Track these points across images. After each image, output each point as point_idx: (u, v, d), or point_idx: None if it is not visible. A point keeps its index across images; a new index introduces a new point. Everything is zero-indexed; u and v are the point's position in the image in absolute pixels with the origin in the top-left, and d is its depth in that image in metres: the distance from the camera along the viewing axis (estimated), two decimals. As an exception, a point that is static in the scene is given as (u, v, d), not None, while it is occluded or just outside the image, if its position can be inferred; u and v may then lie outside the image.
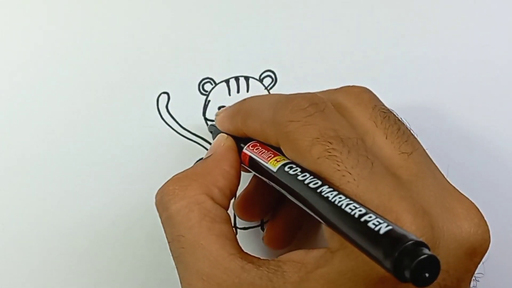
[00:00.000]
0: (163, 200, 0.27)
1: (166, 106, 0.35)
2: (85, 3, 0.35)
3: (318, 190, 0.22)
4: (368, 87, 0.28)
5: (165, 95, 0.35)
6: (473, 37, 0.36)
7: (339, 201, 0.21)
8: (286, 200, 0.30)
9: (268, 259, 0.25)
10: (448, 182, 0.26)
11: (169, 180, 0.27)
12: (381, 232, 0.19)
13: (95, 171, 0.35)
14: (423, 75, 0.36)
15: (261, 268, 0.24)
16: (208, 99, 0.35)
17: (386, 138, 0.25)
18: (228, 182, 0.28)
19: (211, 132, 0.34)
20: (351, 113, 0.27)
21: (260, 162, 0.27)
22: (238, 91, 0.36)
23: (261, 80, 0.36)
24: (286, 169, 0.25)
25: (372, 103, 0.27)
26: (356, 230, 0.20)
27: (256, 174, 0.28)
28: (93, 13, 0.35)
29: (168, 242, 0.27)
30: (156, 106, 0.35)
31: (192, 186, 0.26)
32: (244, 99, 0.30)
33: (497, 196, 0.36)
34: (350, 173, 0.23)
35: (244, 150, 0.28)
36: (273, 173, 0.26)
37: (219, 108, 0.35)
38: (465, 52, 0.36)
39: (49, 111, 0.35)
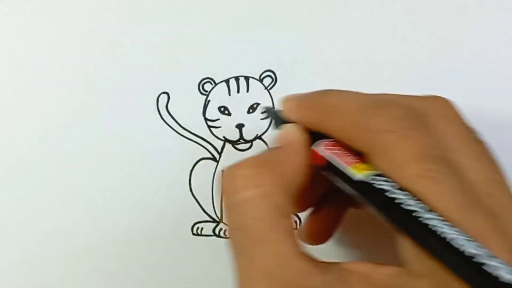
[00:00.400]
0: (233, 182, 0.25)
1: (166, 106, 0.35)
2: (85, 3, 0.35)
3: (413, 214, 0.21)
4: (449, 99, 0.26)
5: (165, 95, 0.35)
6: (473, 37, 0.36)
7: (446, 233, 0.20)
8: (332, 194, 0.29)
9: (332, 264, 0.23)
10: None
11: (240, 163, 0.25)
12: (500, 279, 0.18)
13: (95, 171, 0.35)
14: (423, 75, 0.36)
15: (327, 275, 0.23)
16: (208, 99, 0.35)
17: (474, 160, 0.24)
18: (300, 176, 0.26)
19: (266, 115, 0.30)
20: (436, 127, 0.24)
21: (340, 165, 0.25)
22: (238, 91, 0.36)
23: (261, 80, 0.36)
24: (373, 181, 0.23)
25: (458, 119, 0.25)
26: (467, 270, 0.19)
27: (329, 176, 0.26)
28: (93, 13, 0.35)
29: (230, 229, 0.25)
30: (156, 106, 0.35)
31: (266, 175, 0.24)
32: (322, 91, 0.28)
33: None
34: (448, 198, 0.22)
35: (318, 148, 0.26)
36: (355, 181, 0.24)
37: (219, 108, 0.35)
38: (465, 52, 0.36)
39: (49, 111, 0.35)
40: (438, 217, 0.21)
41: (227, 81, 0.36)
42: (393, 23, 0.36)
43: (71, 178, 0.35)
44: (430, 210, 0.21)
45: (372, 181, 0.23)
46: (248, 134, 0.36)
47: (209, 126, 0.35)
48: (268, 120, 0.36)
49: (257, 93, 0.36)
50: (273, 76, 0.36)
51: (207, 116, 0.35)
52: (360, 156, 0.25)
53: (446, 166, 0.22)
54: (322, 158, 0.26)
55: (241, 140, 0.36)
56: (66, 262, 0.35)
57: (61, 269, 0.35)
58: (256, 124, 0.36)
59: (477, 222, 0.21)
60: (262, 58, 0.36)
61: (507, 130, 0.36)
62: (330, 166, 0.25)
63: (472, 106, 0.36)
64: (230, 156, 0.36)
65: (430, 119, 0.24)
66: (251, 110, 0.36)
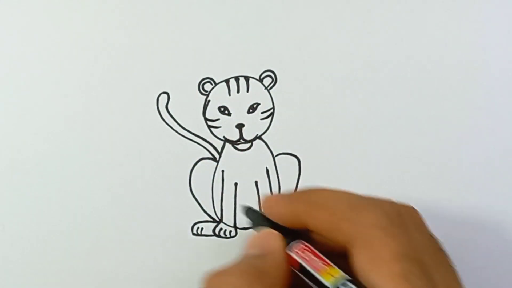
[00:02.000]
0: None
1: (166, 106, 0.35)
2: (85, 3, 0.35)
3: None
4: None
5: (165, 95, 0.35)
6: (473, 37, 0.36)
7: None
8: None
9: None
10: None
11: (229, 270, 0.26)
12: None
13: (95, 171, 0.35)
14: (423, 75, 0.36)
15: None
16: (208, 99, 0.35)
17: (440, 269, 0.25)
18: (285, 286, 0.26)
19: (248, 217, 0.31)
20: (413, 233, 0.26)
21: (311, 271, 0.26)
22: (238, 91, 0.36)
23: (261, 80, 0.36)
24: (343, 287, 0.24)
25: (426, 228, 0.27)
26: None
27: (302, 276, 0.27)
28: (93, 13, 0.35)
29: None
30: (156, 106, 0.35)
31: (257, 286, 0.25)
32: (310, 188, 0.29)
33: (497, 194, 0.36)
34: None
35: (291, 253, 0.27)
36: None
37: (219, 108, 0.35)
38: (465, 52, 0.36)
39: (49, 111, 0.35)
40: None
41: (227, 81, 0.36)
42: (393, 23, 0.36)
43: (71, 178, 0.35)
44: None
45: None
46: (248, 134, 0.36)
47: (209, 126, 0.35)
48: (268, 120, 0.36)
49: (257, 93, 0.36)
50: (273, 76, 0.36)
51: (207, 116, 0.35)
52: (327, 260, 0.26)
53: (421, 269, 0.24)
54: (296, 261, 0.27)
55: (241, 140, 0.36)
56: (65, 262, 0.35)
57: (60, 269, 0.35)
58: (256, 124, 0.36)
59: None
60: (262, 58, 0.36)
61: (507, 130, 0.36)
62: (303, 271, 0.26)
63: (472, 106, 0.36)
64: (230, 156, 0.36)
65: (408, 221, 0.26)
66: (251, 110, 0.36)
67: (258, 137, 0.36)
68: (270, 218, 0.28)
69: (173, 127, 0.35)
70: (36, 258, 0.34)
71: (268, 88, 0.36)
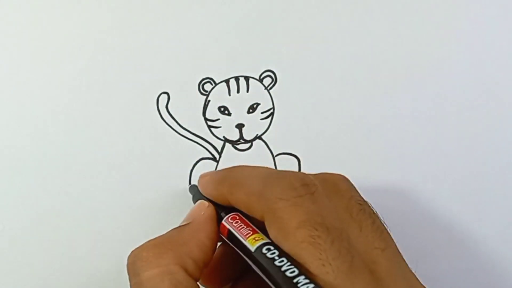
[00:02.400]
0: (135, 265, 0.26)
1: (166, 106, 0.35)
2: (84, 3, 0.35)
3: (294, 280, 0.22)
4: (345, 175, 0.28)
5: (165, 95, 0.35)
6: (473, 37, 0.36)
7: None
8: (250, 271, 0.30)
9: None
10: (418, 281, 0.26)
11: (143, 245, 0.27)
12: None
13: (95, 171, 0.35)
14: (423, 75, 0.36)
15: None
16: (208, 99, 0.35)
17: (361, 231, 0.25)
18: (203, 254, 0.27)
19: (191, 193, 0.33)
20: (328, 201, 0.26)
21: (238, 237, 0.27)
22: (238, 91, 0.36)
23: (261, 80, 0.36)
24: (264, 250, 0.25)
25: (349, 193, 0.27)
26: None
27: (234, 247, 0.28)
28: (93, 13, 0.35)
29: None
30: (156, 106, 0.35)
31: (166, 254, 0.26)
32: (233, 167, 0.30)
33: (496, 194, 0.36)
34: (330, 264, 0.23)
35: (223, 222, 0.28)
36: (250, 252, 0.26)
37: (219, 108, 0.35)
38: (465, 52, 0.36)
39: (49, 111, 0.35)
40: (312, 284, 0.22)
41: (227, 81, 0.36)
42: (393, 23, 0.36)
43: (71, 178, 0.35)
44: (309, 278, 0.23)
45: (264, 252, 0.25)
46: (248, 134, 0.36)
47: (209, 126, 0.35)
48: (268, 120, 0.36)
49: (257, 93, 0.36)
50: (273, 76, 0.36)
51: (207, 116, 0.35)
52: (253, 228, 0.27)
53: (330, 233, 0.24)
54: (225, 229, 0.28)
55: (241, 140, 0.36)
56: (65, 262, 0.35)
57: (60, 268, 0.35)
58: (256, 124, 0.36)
59: (358, 286, 0.23)
60: (262, 58, 0.36)
61: (507, 130, 0.36)
62: (231, 239, 0.27)
63: (472, 106, 0.36)
64: (230, 156, 0.36)
65: (319, 189, 0.26)
66: (251, 110, 0.36)
67: (258, 137, 0.36)
68: (205, 196, 0.30)
69: (173, 127, 0.35)
70: (36, 258, 0.34)
71: (268, 88, 0.36)
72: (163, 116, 0.35)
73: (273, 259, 0.24)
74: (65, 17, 0.35)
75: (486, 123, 0.36)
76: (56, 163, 0.35)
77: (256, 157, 0.36)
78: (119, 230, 0.35)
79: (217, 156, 0.35)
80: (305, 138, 0.36)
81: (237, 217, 0.28)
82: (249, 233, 0.26)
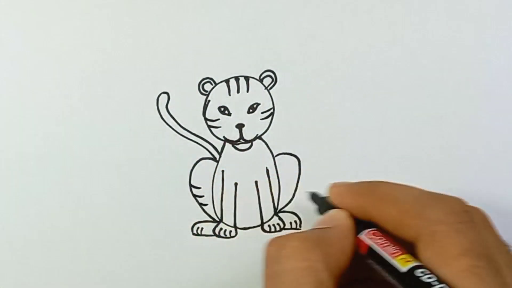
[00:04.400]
0: (280, 252, 0.25)
1: (166, 106, 0.35)
2: (85, 2, 0.35)
3: None
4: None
5: (165, 95, 0.35)
6: (473, 37, 0.36)
7: None
8: (358, 283, 0.30)
9: None
10: None
11: (290, 235, 0.26)
12: None
13: (95, 171, 0.35)
14: (423, 75, 0.36)
15: None
16: (208, 99, 0.35)
17: (509, 267, 0.25)
18: (344, 260, 0.26)
19: (314, 201, 0.32)
20: (481, 228, 0.25)
21: (384, 255, 0.25)
22: (238, 91, 0.36)
23: (261, 80, 0.36)
24: (419, 273, 0.24)
25: (496, 230, 0.27)
26: None
27: (373, 264, 0.27)
28: (93, 13, 0.35)
29: None
30: (156, 106, 0.35)
31: (316, 251, 0.25)
32: (376, 182, 0.29)
33: (496, 194, 0.36)
34: None
35: (362, 237, 0.27)
36: (399, 272, 0.24)
37: (219, 108, 0.35)
38: (465, 52, 0.36)
39: (49, 111, 0.35)
40: None
41: (227, 81, 0.36)
42: (393, 23, 0.36)
43: (71, 178, 0.35)
44: None
45: (418, 275, 0.24)
46: (248, 134, 0.36)
47: (209, 126, 0.35)
48: (268, 120, 0.36)
49: (257, 93, 0.36)
50: (273, 76, 0.36)
51: (207, 116, 0.35)
52: (400, 247, 0.26)
53: (491, 265, 0.23)
54: (365, 246, 0.27)
55: (241, 140, 0.36)
56: (65, 262, 0.35)
57: (60, 268, 0.35)
58: (256, 124, 0.36)
59: None
60: (262, 58, 0.36)
61: (507, 130, 0.36)
62: (372, 255, 0.26)
63: (472, 105, 0.36)
64: (230, 156, 0.36)
65: (476, 218, 0.25)
66: (251, 110, 0.36)
67: (258, 137, 0.36)
68: (338, 206, 0.29)
69: (173, 127, 0.35)
70: (36, 258, 0.34)
71: (268, 88, 0.36)
72: (163, 116, 0.35)
73: (431, 284, 0.23)
74: (65, 17, 0.35)
75: (486, 123, 0.36)
76: (56, 163, 0.35)
77: (256, 157, 0.36)
78: (119, 230, 0.35)
79: (217, 156, 0.35)
80: (305, 138, 0.36)
81: (379, 233, 0.27)
82: (397, 252, 0.25)
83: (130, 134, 0.35)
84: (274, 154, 0.36)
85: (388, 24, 0.36)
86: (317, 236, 0.26)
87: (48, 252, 0.34)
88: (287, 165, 0.36)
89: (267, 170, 0.36)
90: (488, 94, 0.36)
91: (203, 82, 0.35)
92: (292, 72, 0.36)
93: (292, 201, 0.36)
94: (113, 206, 0.35)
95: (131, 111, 0.35)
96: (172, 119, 0.35)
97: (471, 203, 0.27)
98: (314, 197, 0.32)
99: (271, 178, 0.36)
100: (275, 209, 0.36)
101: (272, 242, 0.26)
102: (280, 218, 0.36)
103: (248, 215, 0.35)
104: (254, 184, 0.36)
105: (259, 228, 0.35)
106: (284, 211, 0.36)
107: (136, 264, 0.35)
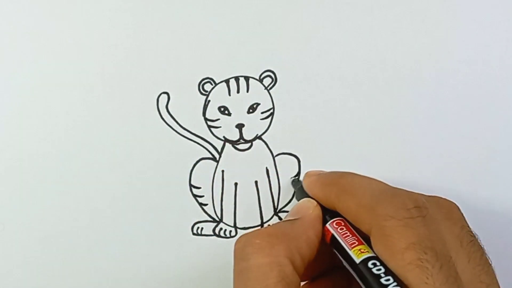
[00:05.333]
0: (245, 250, 0.26)
1: (166, 106, 0.35)
2: (85, 2, 0.35)
3: None
4: (455, 203, 0.28)
5: (165, 95, 0.35)
6: (473, 37, 0.36)
7: None
8: (332, 271, 0.31)
9: None
10: None
11: (255, 232, 0.27)
12: None
13: (95, 171, 0.35)
14: (423, 75, 0.36)
15: None
16: (208, 99, 0.35)
17: (469, 262, 0.25)
18: (310, 251, 0.27)
19: (294, 187, 0.34)
20: (439, 226, 0.26)
21: (343, 245, 0.27)
22: (238, 91, 0.36)
23: (261, 80, 0.36)
24: (370, 265, 0.25)
25: (461, 222, 0.27)
26: None
27: (335, 251, 0.28)
28: (93, 13, 0.35)
29: None
30: (156, 106, 0.35)
31: (279, 246, 0.26)
32: (343, 173, 0.30)
33: (496, 194, 0.36)
34: None
35: (328, 226, 0.28)
36: (354, 262, 0.26)
37: (219, 108, 0.35)
38: (465, 52, 0.36)
39: (48, 111, 0.35)
40: None
41: (227, 81, 0.36)
42: (393, 23, 0.36)
43: (71, 178, 0.35)
44: None
45: (369, 266, 0.25)
46: (248, 134, 0.36)
47: (209, 126, 0.35)
48: (268, 120, 0.36)
49: (257, 93, 0.36)
50: (273, 76, 0.36)
51: (207, 116, 0.35)
52: (358, 238, 0.27)
53: (438, 258, 0.24)
54: (330, 235, 0.28)
55: (241, 140, 0.36)
56: (65, 262, 0.35)
57: (61, 268, 0.35)
58: (256, 124, 0.36)
59: None
60: (262, 58, 0.36)
61: (507, 129, 0.36)
62: (334, 244, 0.28)
63: (472, 105, 0.36)
64: (230, 156, 0.36)
65: (431, 214, 0.26)
66: (251, 110, 0.36)
67: (258, 137, 0.36)
68: (309, 195, 0.30)
69: (173, 127, 0.35)
70: (36, 258, 0.34)
71: (268, 88, 0.36)
72: (163, 116, 0.35)
73: (379, 276, 0.24)
74: (65, 17, 0.35)
75: (486, 123, 0.36)
76: (56, 163, 0.35)
77: (256, 157, 0.36)
78: (119, 230, 0.35)
79: (217, 156, 0.35)
80: (305, 138, 0.36)
81: (342, 223, 0.28)
82: (355, 243, 0.27)
83: (130, 134, 0.35)
84: (274, 154, 0.36)
85: (388, 24, 0.36)
86: (282, 231, 0.27)
87: (48, 252, 0.34)
88: (287, 165, 0.36)
89: (267, 170, 0.36)
90: (489, 94, 0.36)
91: (203, 82, 0.35)
92: (292, 72, 0.36)
93: (292, 201, 0.36)
94: (113, 206, 0.35)
95: (131, 111, 0.35)
96: (172, 119, 0.35)
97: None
98: (294, 183, 0.34)
99: (271, 178, 0.36)
100: (275, 209, 0.36)
101: (239, 239, 0.27)
102: (280, 218, 0.36)
103: (248, 215, 0.35)
104: (254, 184, 0.36)
105: (259, 228, 0.35)
106: (284, 211, 0.36)
107: (136, 264, 0.35)
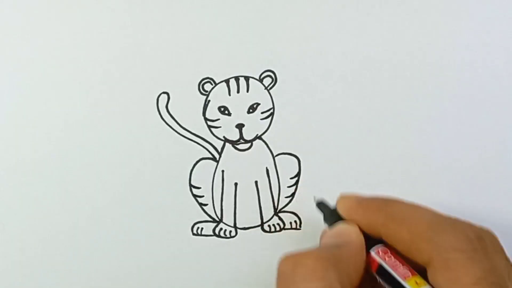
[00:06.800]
0: (296, 272, 0.25)
1: (166, 106, 0.35)
2: (85, 3, 0.35)
3: None
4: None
5: (165, 95, 0.35)
6: (473, 37, 0.36)
7: None
8: None
9: None
10: None
11: (303, 253, 0.26)
12: None
13: (95, 171, 0.35)
14: (423, 74, 0.36)
15: None
16: (208, 99, 0.35)
17: None
18: (357, 278, 0.27)
19: (321, 210, 0.32)
20: (495, 258, 0.26)
21: (395, 276, 0.26)
22: (238, 91, 0.36)
23: (261, 80, 0.36)
24: None
25: (504, 253, 0.27)
26: None
27: (383, 282, 0.27)
28: (93, 13, 0.35)
29: None
30: (156, 106, 0.35)
31: (332, 270, 0.25)
32: (388, 199, 0.29)
33: (495, 194, 0.36)
34: None
35: (373, 254, 0.27)
36: None
37: (219, 108, 0.35)
38: (465, 52, 0.36)
39: (49, 111, 0.35)
40: None
41: (227, 81, 0.36)
42: (393, 23, 0.36)
43: (71, 178, 0.35)
44: None
45: None
46: (248, 134, 0.36)
47: (209, 126, 0.35)
48: (268, 120, 0.36)
49: (257, 93, 0.36)
50: (273, 76, 0.36)
51: (207, 116, 0.35)
52: (409, 268, 0.26)
53: None
54: (375, 263, 0.27)
55: (241, 140, 0.36)
56: (65, 262, 0.35)
57: (60, 268, 0.35)
58: (256, 124, 0.36)
59: None
60: (262, 58, 0.36)
61: (507, 129, 0.36)
62: (382, 274, 0.26)
63: (472, 105, 0.36)
64: (230, 156, 0.36)
65: (489, 245, 0.25)
66: (251, 110, 0.36)
67: (258, 137, 0.36)
68: (345, 218, 0.29)
69: (173, 127, 0.35)
70: (36, 258, 0.34)
71: (268, 88, 0.36)
72: (163, 116, 0.35)
73: None
74: (65, 17, 0.35)
75: (486, 123, 0.36)
76: (56, 163, 0.35)
77: (256, 157, 0.36)
78: (119, 230, 0.35)
79: (217, 156, 0.35)
80: (305, 138, 0.36)
81: (388, 252, 0.27)
82: (408, 274, 0.26)
83: (130, 134, 0.35)
84: (274, 154, 0.36)
85: (388, 24, 0.36)
86: (332, 254, 0.26)
87: (48, 252, 0.34)
88: (287, 165, 0.36)
89: (267, 170, 0.36)
90: (489, 94, 0.36)
91: (203, 82, 0.35)
92: (292, 72, 0.36)
93: (292, 201, 0.36)
94: (113, 206, 0.35)
95: (131, 111, 0.35)
96: (172, 119, 0.35)
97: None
98: (321, 205, 0.31)
99: (271, 178, 0.36)
100: (275, 209, 0.36)
101: (287, 259, 0.26)
102: (280, 218, 0.36)
103: (248, 215, 0.35)
104: (254, 184, 0.36)
105: (259, 228, 0.35)
106: (284, 211, 0.36)
107: (136, 264, 0.35)
